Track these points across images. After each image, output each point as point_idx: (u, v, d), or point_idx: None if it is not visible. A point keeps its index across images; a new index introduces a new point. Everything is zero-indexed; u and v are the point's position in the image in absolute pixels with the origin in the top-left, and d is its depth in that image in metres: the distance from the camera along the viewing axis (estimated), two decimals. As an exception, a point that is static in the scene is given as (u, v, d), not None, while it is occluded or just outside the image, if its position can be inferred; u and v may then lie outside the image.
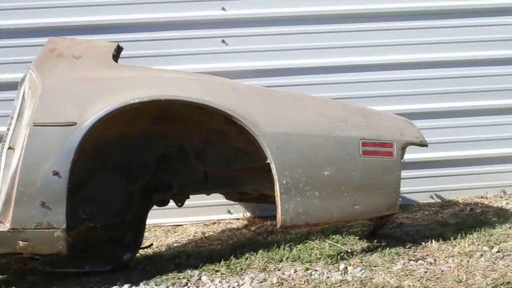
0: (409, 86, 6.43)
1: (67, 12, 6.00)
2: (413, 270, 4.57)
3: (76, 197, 4.55)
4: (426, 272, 4.52)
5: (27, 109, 4.37)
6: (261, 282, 4.46)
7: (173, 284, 4.48)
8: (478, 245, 5.01)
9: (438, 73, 6.45)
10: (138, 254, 5.08)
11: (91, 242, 4.84)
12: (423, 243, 5.11)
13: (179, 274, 4.65)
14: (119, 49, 5.02)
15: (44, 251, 4.36)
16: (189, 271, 4.69)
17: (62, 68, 4.61)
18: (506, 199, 6.49)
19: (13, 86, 5.00)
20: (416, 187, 6.53)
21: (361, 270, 4.59)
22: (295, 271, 4.63)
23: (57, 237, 4.26)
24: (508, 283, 4.25)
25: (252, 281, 4.47)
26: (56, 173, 4.21)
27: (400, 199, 5.05)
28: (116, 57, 4.91)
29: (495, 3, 6.45)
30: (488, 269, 4.54)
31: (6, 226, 4.22)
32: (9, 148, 4.37)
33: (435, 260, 4.76)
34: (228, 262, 4.81)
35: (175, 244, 5.64)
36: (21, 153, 4.23)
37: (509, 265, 4.60)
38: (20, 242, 4.23)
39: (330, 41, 6.30)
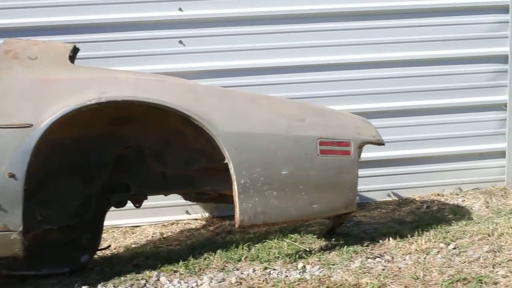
0: (366, 86, 6.46)
1: (23, 13, 5.93)
2: (371, 268, 4.60)
3: (33, 200, 4.52)
4: (383, 269, 4.56)
5: (-18, 111, 4.33)
6: (220, 282, 4.46)
7: (132, 286, 4.46)
8: (435, 242, 5.06)
9: (394, 73, 6.49)
10: (96, 256, 5.05)
11: (48, 244, 4.80)
12: (380, 241, 5.15)
13: (137, 275, 4.63)
14: (75, 50, 4.99)
15: (0, 254, 4.32)
16: (147, 272, 4.67)
17: (17, 69, 4.58)
18: (462, 196, 6.55)
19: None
20: (373, 186, 6.57)
21: (319, 269, 4.61)
22: (254, 270, 4.64)
23: (13, 239, 4.22)
24: (465, 279, 4.31)
25: (210, 281, 4.47)
26: (12, 175, 4.17)
27: (357, 197, 5.10)
28: (72, 58, 4.89)
29: (446, 3, 6.50)
30: (444, 266, 4.59)
31: (-39, 229, 4.19)
32: (-35, 150, 4.33)
33: (392, 258, 4.80)
34: (186, 262, 4.80)
35: (133, 245, 5.62)
36: (-24, 155, 4.19)
37: (465, 262, 4.65)
38: (-24, 245, 4.20)
39: (286, 41, 6.30)
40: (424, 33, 6.49)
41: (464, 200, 6.41)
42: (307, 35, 6.34)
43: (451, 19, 6.52)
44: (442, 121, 6.62)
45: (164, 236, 5.85)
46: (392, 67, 6.51)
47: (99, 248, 5.04)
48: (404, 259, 4.76)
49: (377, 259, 4.79)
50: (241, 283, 4.40)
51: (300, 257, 4.87)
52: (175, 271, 4.69)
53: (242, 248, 5.05)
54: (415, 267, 4.57)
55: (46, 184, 4.75)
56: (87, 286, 4.48)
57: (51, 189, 4.77)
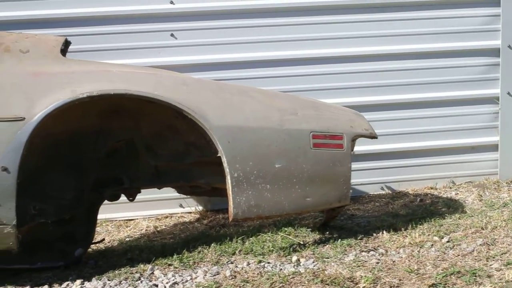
0: (358, 79, 6.47)
1: (14, 6, 5.92)
2: (365, 261, 4.60)
3: (26, 193, 4.50)
4: (378, 263, 4.56)
5: (-26, 104, 4.31)
6: (214, 275, 4.45)
7: (126, 279, 4.45)
8: (429, 235, 5.07)
9: (386, 66, 6.50)
10: (90, 249, 5.04)
11: (42, 238, 4.79)
12: (374, 234, 5.16)
13: (132, 269, 4.63)
14: (67, 43, 4.98)
15: (-6, 248, 4.31)
16: (142, 265, 4.67)
17: (9, 62, 4.56)
18: (455, 189, 6.57)
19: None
20: (367, 179, 6.58)
21: (313, 262, 4.61)
22: (248, 263, 4.64)
23: (7, 233, 4.21)
24: (458, 272, 4.31)
25: (205, 274, 4.47)
26: (4, 169, 4.16)
27: (351, 190, 5.10)
28: (64, 51, 4.87)
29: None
30: (438, 259, 4.59)
31: (-46, 223, 4.17)
32: (-43, 144, 4.32)
33: (386, 251, 4.80)
34: (181, 255, 4.80)
35: (127, 239, 5.61)
36: (-31, 149, 4.18)
37: (459, 255, 4.66)
38: (-31, 239, 4.19)
39: (279, 34, 6.31)
40: (416, 26, 6.50)
41: (458, 194, 6.42)
42: (298, 28, 6.35)
43: (443, 12, 6.52)
44: (434, 114, 6.63)
45: (158, 229, 5.85)
46: (384, 60, 6.51)
47: (93, 241, 5.04)
48: (398, 252, 4.76)
49: (371, 252, 4.79)
50: (235, 276, 4.39)
51: (294, 251, 4.87)
52: (170, 265, 4.68)
53: (236, 242, 5.04)
54: (409, 260, 4.57)
55: (40, 177, 4.73)
56: (82, 280, 4.46)
57: (44, 183, 4.75)
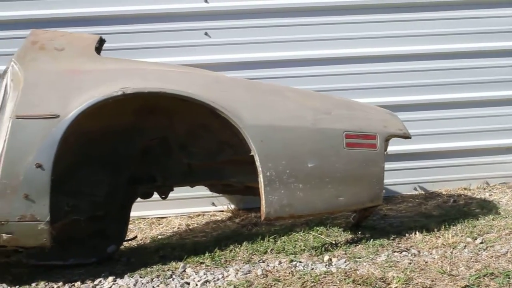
0: (392, 79, 6.45)
1: (50, 4, 5.97)
2: (397, 262, 4.58)
3: (60, 190, 4.53)
4: (410, 263, 4.53)
5: (10, 102, 4.35)
6: (246, 273, 4.45)
7: (158, 276, 4.47)
8: (462, 236, 5.03)
9: (421, 66, 6.47)
10: (122, 247, 5.07)
11: (75, 234, 4.82)
12: (407, 235, 5.13)
13: (163, 266, 4.64)
14: (101, 42, 5.00)
15: (28, 244, 4.34)
16: (173, 263, 4.68)
17: (44, 60, 4.60)
18: (489, 190, 6.52)
19: (-5, 78, 4.96)
20: (400, 179, 6.55)
21: (345, 262, 4.59)
22: (280, 263, 4.63)
23: (41, 229, 4.24)
24: (492, 274, 4.27)
25: (236, 273, 4.47)
26: (39, 166, 4.19)
27: (383, 191, 5.07)
28: (98, 49, 4.90)
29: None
30: (471, 260, 4.56)
31: (-11, 219, 4.22)
32: (-8, 141, 4.36)
33: (419, 252, 4.77)
34: (212, 254, 4.81)
35: (159, 236, 5.63)
36: (4, 145, 4.20)
37: (492, 256, 4.62)
38: (3, 235, 4.21)
39: (314, 33, 6.31)
40: (453, 26, 6.48)
41: (491, 195, 6.37)
42: (332, 27, 6.35)
43: (481, 12, 6.49)
44: (469, 114, 6.59)
45: (190, 227, 5.86)
46: (419, 60, 6.49)
47: (125, 238, 5.06)
48: (431, 253, 4.73)
49: (404, 253, 4.77)
50: (267, 275, 4.39)
51: (326, 250, 4.86)
52: (201, 263, 4.69)
53: (268, 241, 5.04)
54: (441, 261, 4.54)
55: (74, 174, 4.77)
56: (114, 277, 4.48)
57: (78, 180, 4.79)
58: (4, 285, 4.43)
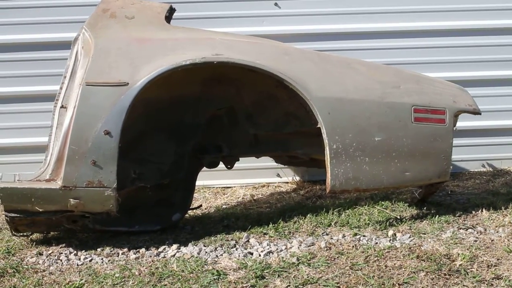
0: (464, 53, 6.34)
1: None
2: (463, 239, 4.53)
3: (127, 157, 4.59)
4: (475, 241, 4.48)
5: (80, 69, 4.41)
6: (309, 246, 4.46)
7: (222, 246, 4.50)
8: (530, 215, 4.97)
9: (494, 40, 6.35)
10: (187, 215, 5.12)
11: (141, 202, 4.89)
12: (473, 212, 5.07)
13: (227, 236, 4.68)
14: (171, 11, 5.02)
15: (94, 210, 4.41)
16: (237, 233, 4.72)
17: (114, 28, 4.64)
18: (560, 169, 6.41)
19: (67, 45, 5.01)
20: (468, 155, 6.46)
21: (410, 237, 4.56)
22: (343, 236, 4.62)
23: (107, 196, 4.31)
24: (559, 253, 4.21)
25: (300, 245, 4.47)
26: (107, 133, 4.24)
27: (451, 167, 5.00)
28: (168, 18, 4.92)
29: None
30: (539, 239, 4.50)
31: (58, 184, 4.28)
32: (62, 107, 4.44)
33: (485, 229, 4.72)
34: (276, 225, 4.82)
35: (224, 206, 5.67)
36: (73, 112, 4.27)
37: (560, 236, 4.55)
38: (71, 200, 4.29)
39: (384, 5, 6.23)
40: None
41: (562, 173, 6.26)
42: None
43: None
44: (542, 91, 6.46)
45: (255, 198, 5.88)
46: (490, 35, 6.36)
47: (190, 207, 5.10)
48: (497, 231, 4.67)
49: (469, 230, 4.71)
50: (330, 248, 4.38)
51: (391, 225, 4.83)
52: (265, 233, 4.71)
53: (332, 213, 5.03)
54: (508, 240, 4.47)
55: (140, 142, 4.82)
56: (178, 245, 4.53)
57: (145, 148, 4.85)
58: (71, 249, 4.52)
